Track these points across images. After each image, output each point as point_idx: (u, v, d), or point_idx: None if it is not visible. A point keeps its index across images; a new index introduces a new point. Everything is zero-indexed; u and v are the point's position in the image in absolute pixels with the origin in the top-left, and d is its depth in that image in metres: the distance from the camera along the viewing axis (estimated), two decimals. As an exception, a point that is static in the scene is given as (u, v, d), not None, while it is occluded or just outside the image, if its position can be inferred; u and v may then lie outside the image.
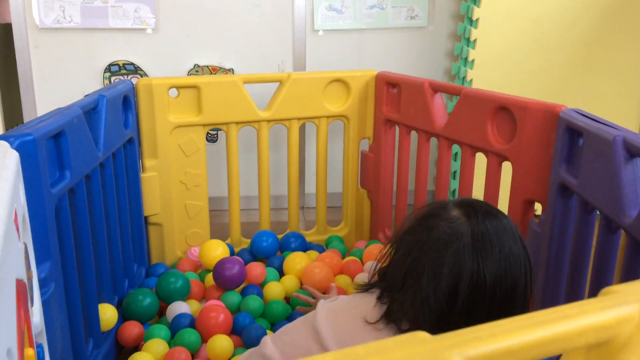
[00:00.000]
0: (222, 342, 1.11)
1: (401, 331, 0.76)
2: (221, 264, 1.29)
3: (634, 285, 0.37)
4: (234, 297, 1.27)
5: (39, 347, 0.65)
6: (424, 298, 0.73)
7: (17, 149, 0.75)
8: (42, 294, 0.79)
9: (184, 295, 1.27)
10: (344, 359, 0.30)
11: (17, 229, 0.57)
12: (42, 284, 0.80)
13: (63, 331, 0.89)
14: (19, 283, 0.54)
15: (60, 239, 0.89)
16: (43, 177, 0.81)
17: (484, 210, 0.77)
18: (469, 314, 0.72)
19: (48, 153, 0.85)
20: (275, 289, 1.30)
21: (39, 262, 0.80)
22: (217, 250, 1.38)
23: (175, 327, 1.17)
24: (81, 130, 0.98)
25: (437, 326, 0.71)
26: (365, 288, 0.84)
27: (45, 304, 0.79)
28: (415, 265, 0.75)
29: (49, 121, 0.86)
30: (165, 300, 1.25)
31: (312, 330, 0.81)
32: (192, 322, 1.18)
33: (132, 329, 1.17)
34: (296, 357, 0.79)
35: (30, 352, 0.54)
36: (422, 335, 0.32)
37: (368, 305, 0.80)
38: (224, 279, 1.28)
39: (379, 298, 0.80)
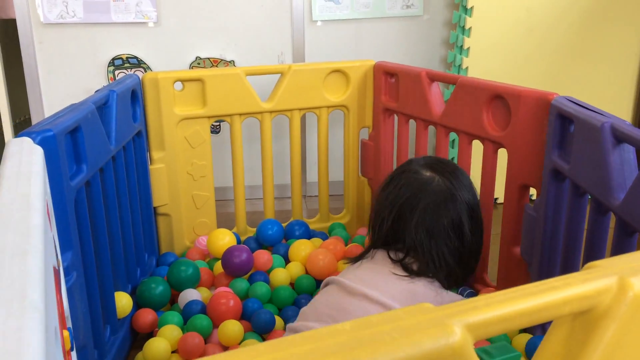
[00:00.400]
0: (232, 327, 1.15)
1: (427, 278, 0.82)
2: (229, 252, 1.34)
3: (613, 260, 0.42)
4: (242, 284, 1.32)
5: (69, 330, 0.70)
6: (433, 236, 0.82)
7: (39, 144, 0.79)
8: (65, 282, 0.84)
9: (195, 283, 1.31)
10: (360, 326, 0.35)
11: (50, 221, 0.62)
12: (65, 272, 0.85)
13: (84, 318, 0.93)
14: (54, 270, 0.58)
15: (79, 230, 0.93)
16: (63, 171, 0.85)
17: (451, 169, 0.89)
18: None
19: (66, 147, 0.89)
20: (281, 275, 1.35)
21: (62, 252, 0.85)
22: (224, 239, 1.43)
23: (187, 314, 1.22)
24: (95, 125, 1.02)
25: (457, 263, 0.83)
26: (361, 254, 0.89)
27: (68, 292, 0.84)
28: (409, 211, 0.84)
29: (66, 117, 0.90)
30: (176, 288, 1.30)
31: (345, 293, 0.83)
32: (203, 309, 1.23)
33: (147, 315, 1.22)
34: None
35: (66, 333, 0.59)
36: (426, 306, 0.37)
37: (385, 262, 0.85)
38: (233, 266, 1.33)
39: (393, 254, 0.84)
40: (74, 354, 0.75)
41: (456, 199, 0.89)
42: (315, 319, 0.84)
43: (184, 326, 1.20)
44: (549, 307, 0.38)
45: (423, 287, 0.86)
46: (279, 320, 1.22)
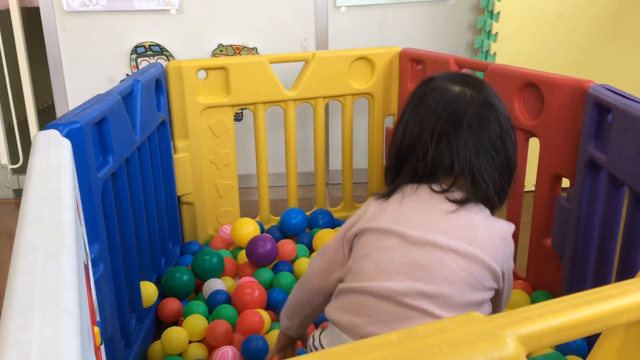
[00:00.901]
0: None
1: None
2: (254, 242, 1.33)
3: (671, 265, 0.40)
4: (266, 273, 1.31)
5: (98, 324, 0.70)
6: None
7: (67, 136, 0.78)
8: (93, 274, 0.83)
9: (219, 273, 1.31)
10: (407, 337, 0.33)
11: (79, 214, 0.61)
12: (93, 264, 0.85)
13: (111, 308, 0.94)
14: (84, 267, 0.58)
15: (105, 222, 0.93)
16: (90, 163, 0.85)
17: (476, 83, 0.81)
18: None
19: (93, 139, 0.88)
20: (305, 265, 1.35)
21: (89, 244, 0.85)
22: (248, 228, 1.43)
23: (212, 303, 1.22)
24: (120, 115, 1.01)
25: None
26: (390, 191, 0.79)
27: (96, 284, 0.84)
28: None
29: (92, 108, 0.90)
30: (201, 277, 1.30)
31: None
32: (227, 299, 1.23)
33: (172, 305, 1.22)
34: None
35: (96, 330, 0.58)
36: (476, 315, 0.35)
37: (432, 196, 0.76)
38: (257, 256, 1.32)
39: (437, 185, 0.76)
40: (102, 346, 0.75)
41: (495, 108, 0.80)
42: (385, 279, 0.72)
43: (210, 316, 1.20)
44: (605, 316, 0.36)
45: (477, 216, 0.76)
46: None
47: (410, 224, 0.74)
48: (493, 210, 0.80)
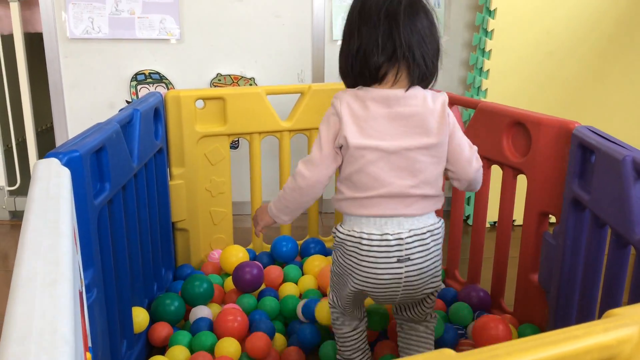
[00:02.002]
0: (230, 345, 1.15)
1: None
2: (240, 268, 1.35)
3: (633, 308, 0.42)
4: (249, 299, 1.32)
5: (90, 350, 0.71)
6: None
7: (66, 164, 0.81)
8: (86, 299, 0.85)
9: (209, 298, 1.32)
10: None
11: (76, 241, 0.63)
12: (86, 290, 0.86)
13: (103, 333, 0.95)
14: (79, 294, 0.60)
15: (100, 248, 0.95)
16: (88, 190, 0.87)
17: None
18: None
19: (91, 167, 0.91)
20: (290, 289, 1.36)
21: (84, 270, 0.86)
22: (237, 255, 1.45)
23: (195, 330, 1.23)
24: (119, 144, 1.04)
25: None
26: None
27: (89, 309, 0.85)
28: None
29: (92, 137, 0.92)
30: (190, 303, 1.31)
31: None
32: (210, 326, 1.24)
33: (162, 330, 1.23)
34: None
35: (88, 356, 0.60)
36: (448, 352, 0.37)
37: (388, 98, 0.95)
38: (243, 282, 1.33)
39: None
40: (93, 372, 0.76)
41: (422, 4, 0.96)
42: (381, 185, 0.94)
43: (191, 341, 1.20)
44: (570, 356, 0.38)
45: (424, 105, 0.95)
46: (280, 338, 1.24)
47: (383, 136, 0.94)
48: (428, 86, 0.98)
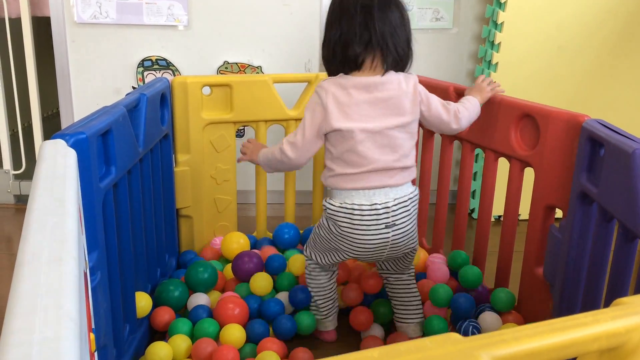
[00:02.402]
0: (234, 332, 1.16)
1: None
2: (240, 257, 1.35)
3: (643, 297, 0.42)
4: (248, 288, 1.33)
5: (94, 331, 0.71)
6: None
7: (72, 146, 0.80)
8: (91, 282, 0.85)
9: (212, 285, 1.32)
10: (387, 354, 0.35)
11: (81, 223, 0.63)
12: (91, 272, 0.87)
13: (106, 317, 0.95)
14: (84, 274, 0.60)
15: (105, 231, 0.95)
16: (94, 173, 0.87)
17: None
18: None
19: (97, 150, 0.91)
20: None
21: (88, 252, 0.86)
22: (238, 242, 1.46)
23: (194, 318, 1.23)
24: (125, 128, 1.04)
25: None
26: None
27: (92, 292, 0.86)
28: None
29: (98, 120, 0.92)
30: (194, 289, 1.31)
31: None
32: (210, 313, 1.24)
33: (164, 314, 1.22)
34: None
35: (92, 336, 0.60)
36: (455, 336, 0.37)
37: (367, 84, 1.07)
38: (242, 272, 1.34)
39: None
40: (96, 354, 0.76)
41: None
42: (370, 163, 1.07)
43: (193, 330, 1.20)
44: (577, 343, 0.38)
45: (398, 89, 1.09)
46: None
47: (367, 118, 1.07)
48: (403, 70, 1.11)
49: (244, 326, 1.20)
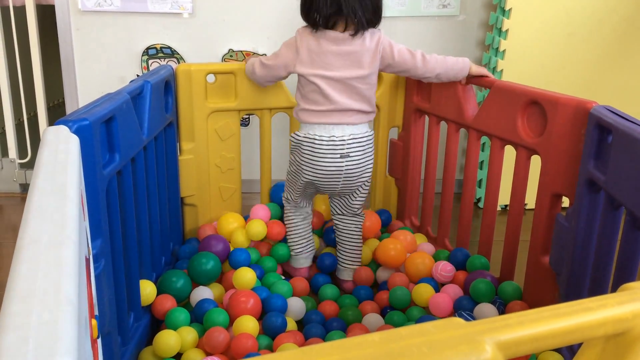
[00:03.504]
0: (248, 324, 1.15)
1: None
2: (207, 240, 1.37)
3: (651, 282, 0.41)
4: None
5: (97, 318, 0.71)
6: None
7: (75, 132, 0.80)
8: (94, 270, 0.85)
9: (214, 277, 1.30)
10: (389, 338, 0.34)
11: (83, 209, 0.63)
12: (94, 260, 0.86)
13: (110, 305, 0.95)
14: (86, 260, 0.59)
15: (109, 218, 0.95)
16: (97, 160, 0.86)
17: None
18: None
19: (101, 137, 0.90)
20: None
21: (92, 240, 0.86)
22: (233, 224, 1.47)
23: (200, 311, 1.21)
24: (129, 115, 1.03)
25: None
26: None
27: (96, 279, 0.86)
28: None
29: (102, 106, 0.92)
30: (197, 280, 1.29)
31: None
32: (215, 306, 1.22)
33: (166, 302, 1.22)
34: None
35: (94, 322, 0.60)
36: (457, 321, 0.36)
37: (336, 38, 1.25)
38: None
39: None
40: (99, 340, 0.76)
41: None
42: (331, 103, 1.26)
43: (198, 323, 1.20)
44: (583, 328, 0.37)
45: (362, 46, 1.26)
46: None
47: (330, 67, 1.26)
48: (369, 27, 1.26)
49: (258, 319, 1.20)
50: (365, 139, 1.29)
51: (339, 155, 1.27)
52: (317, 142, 1.26)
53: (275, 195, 1.60)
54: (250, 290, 1.26)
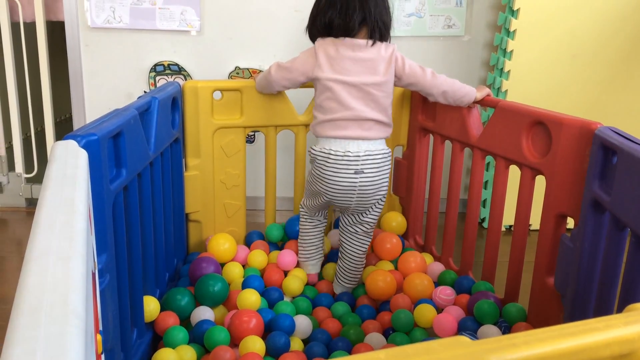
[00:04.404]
0: (254, 345, 1.13)
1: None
2: (197, 263, 1.34)
3: (657, 304, 0.41)
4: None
5: (101, 333, 0.71)
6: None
7: (84, 147, 0.81)
8: (99, 284, 0.85)
9: (221, 299, 1.28)
10: (395, 356, 0.35)
11: (90, 224, 0.63)
12: (100, 274, 0.87)
13: (114, 320, 0.95)
14: (92, 274, 0.60)
15: (114, 233, 0.95)
16: (104, 175, 0.87)
17: None
18: None
19: (108, 152, 0.91)
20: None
21: (97, 255, 0.86)
22: (224, 245, 1.44)
23: (198, 331, 1.19)
24: (136, 130, 1.04)
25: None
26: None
27: (101, 294, 0.86)
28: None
29: (110, 122, 0.92)
30: (201, 301, 1.27)
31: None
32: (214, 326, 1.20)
33: (169, 319, 1.21)
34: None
35: (99, 337, 0.60)
36: (463, 339, 0.36)
37: (353, 45, 1.28)
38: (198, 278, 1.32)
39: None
40: (103, 356, 0.76)
41: None
42: (345, 109, 1.27)
43: (197, 342, 1.18)
44: (589, 348, 0.37)
45: (378, 55, 1.29)
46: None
47: (347, 72, 1.28)
48: (385, 40, 1.32)
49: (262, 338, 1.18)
50: (380, 156, 1.29)
51: (353, 171, 1.27)
52: (331, 156, 1.27)
53: (291, 229, 1.56)
54: (253, 310, 1.24)
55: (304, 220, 1.44)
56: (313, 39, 1.35)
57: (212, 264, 1.34)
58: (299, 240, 1.46)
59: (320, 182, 1.29)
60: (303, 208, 1.44)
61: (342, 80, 1.27)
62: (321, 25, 1.31)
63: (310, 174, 1.35)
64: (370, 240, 1.41)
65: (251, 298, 1.26)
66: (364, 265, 1.42)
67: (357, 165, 1.26)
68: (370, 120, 1.28)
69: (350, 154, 1.26)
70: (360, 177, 1.27)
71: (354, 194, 1.29)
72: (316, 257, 1.44)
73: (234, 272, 1.39)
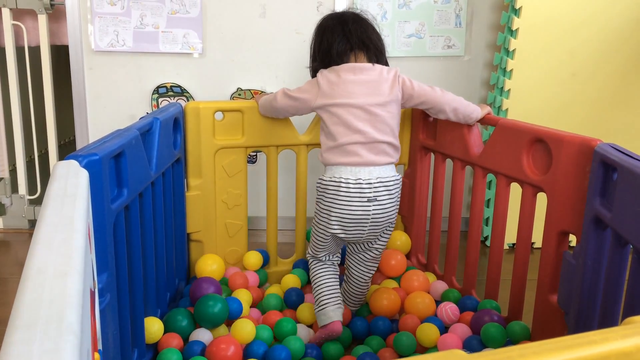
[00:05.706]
0: None
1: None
2: (198, 284, 1.33)
3: (655, 316, 0.41)
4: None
5: (100, 352, 0.71)
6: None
7: (85, 167, 0.81)
8: (99, 304, 0.85)
9: (221, 320, 1.26)
10: (391, 370, 0.34)
11: (90, 242, 0.63)
12: (100, 294, 0.86)
13: (114, 340, 0.94)
14: (91, 292, 0.60)
15: (115, 253, 0.95)
16: (105, 194, 0.88)
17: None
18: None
19: (110, 172, 0.91)
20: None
21: (98, 274, 0.86)
22: (212, 266, 1.46)
23: (187, 355, 1.19)
24: (138, 151, 1.05)
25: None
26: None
27: (101, 314, 0.85)
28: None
29: (111, 142, 0.93)
30: (200, 322, 1.26)
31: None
32: (203, 351, 1.20)
33: (172, 341, 1.21)
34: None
35: (97, 356, 0.59)
36: (458, 352, 0.36)
37: (354, 69, 1.30)
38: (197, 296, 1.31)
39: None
40: (102, 376, 0.75)
41: (364, 14, 1.37)
42: (353, 133, 1.25)
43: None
44: (586, 362, 0.37)
45: (379, 77, 1.29)
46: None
47: (351, 95, 1.26)
48: (383, 63, 1.34)
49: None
50: (392, 182, 1.25)
51: (366, 199, 1.22)
52: (343, 184, 1.22)
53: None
54: (231, 337, 1.21)
55: (313, 267, 1.35)
56: (314, 74, 1.35)
57: (212, 284, 1.34)
58: (313, 293, 1.33)
59: (331, 214, 1.24)
60: (311, 258, 1.36)
61: (346, 103, 1.25)
62: (321, 57, 1.32)
63: (317, 213, 1.29)
64: (377, 264, 1.38)
65: (245, 329, 1.23)
66: (369, 287, 1.40)
67: (370, 193, 1.22)
68: (381, 143, 1.25)
69: (362, 181, 1.22)
70: (374, 205, 1.22)
71: (366, 224, 1.24)
72: (334, 302, 1.29)
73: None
